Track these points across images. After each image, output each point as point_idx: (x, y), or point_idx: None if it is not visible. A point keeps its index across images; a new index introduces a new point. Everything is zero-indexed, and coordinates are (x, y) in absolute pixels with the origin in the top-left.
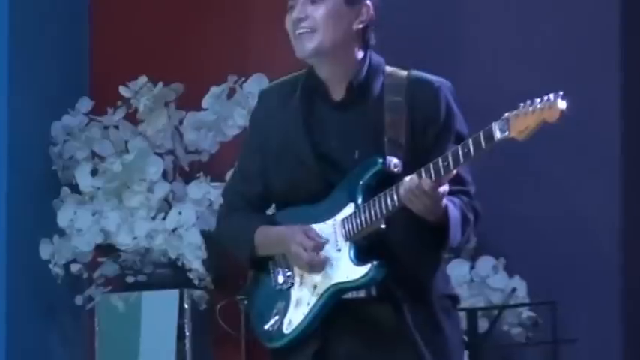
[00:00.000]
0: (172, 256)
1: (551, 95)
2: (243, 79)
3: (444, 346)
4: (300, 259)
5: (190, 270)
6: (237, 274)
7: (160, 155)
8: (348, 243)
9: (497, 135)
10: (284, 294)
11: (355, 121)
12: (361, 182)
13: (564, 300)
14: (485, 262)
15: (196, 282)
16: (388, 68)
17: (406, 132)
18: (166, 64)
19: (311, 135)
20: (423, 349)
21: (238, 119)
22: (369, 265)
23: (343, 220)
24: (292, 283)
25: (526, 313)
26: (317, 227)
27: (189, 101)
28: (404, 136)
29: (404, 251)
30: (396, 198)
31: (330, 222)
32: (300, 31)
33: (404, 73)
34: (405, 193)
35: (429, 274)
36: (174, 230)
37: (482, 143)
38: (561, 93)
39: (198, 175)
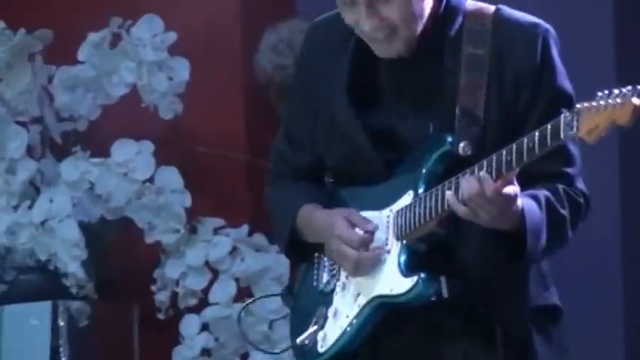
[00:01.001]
0: (42, 258)
1: (626, 89)
2: (130, 22)
3: None
4: (341, 257)
5: (66, 275)
6: (129, 277)
7: (23, 125)
8: (399, 245)
9: (564, 132)
10: (327, 299)
11: (425, 83)
12: (424, 168)
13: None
14: None
15: (74, 290)
16: (470, 5)
17: (486, 99)
18: (29, 5)
19: (360, 103)
20: None
21: (126, 74)
22: (415, 278)
23: (398, 213)
24: (336, 286)
25: None
26: (368, 215)
27: (61, 53)
28: (482, 104)
29: (473, 263)
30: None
31: (385, 212)
32: (380, 37)
33: (490, 11)
34: (459, 202)
35: (513, 283)
36: (43, 223)
37: (548, 139)
38: (639, 87)
39: (74, 149)
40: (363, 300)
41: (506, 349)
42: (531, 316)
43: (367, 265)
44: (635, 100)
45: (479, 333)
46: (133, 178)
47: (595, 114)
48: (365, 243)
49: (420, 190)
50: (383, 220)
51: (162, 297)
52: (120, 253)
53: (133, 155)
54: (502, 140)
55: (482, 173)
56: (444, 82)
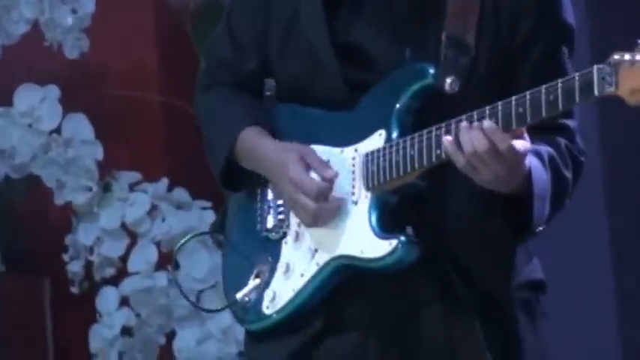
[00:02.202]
0: None
1: None
2: None
3: (511, 357)
4: (295, 205)
5: None
6: (39, 246)
7: None
8: (369, 196)
9: (599, 87)
10: (272, 248)
11: (407, 1)
12: (398, 103)
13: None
14: None
15: None
16: None
17: (478, 25)
18: None
19: (331, 7)
20: None
21: (26, 10)
22: (393, 242)
23: (367, 156)
24: (285, 234)
25: None
26: (326, 152)
27: None
28: (473, 32)
29: (456, 222)
30: (441, 151)
31: (348, 151)
32: None
33: None
34: (461, 155)
35: (499, 260)
36: None
37: (577, 94)
38: None
39: None
40: (323, 257)
41: (486, 328)
42: (517, 291)
43: (327, 217)
44: None
45: (457, 303)
46: (39, 129)
47: None
48: (324, 193)
49: (394, 133)
50: (346, 161)
51: (75, 267)
52: (27, 218)
53: (37, 102)
54: (492, 78)
55: (489, 124)
56: (429, 2)
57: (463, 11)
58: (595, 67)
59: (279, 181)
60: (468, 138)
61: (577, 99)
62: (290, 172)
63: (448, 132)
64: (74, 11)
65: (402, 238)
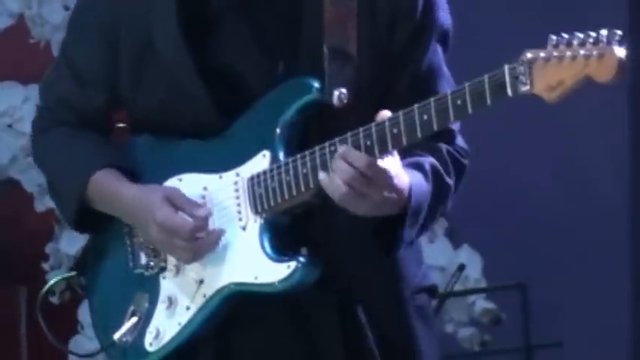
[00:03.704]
0: None
1: (603, 35)
2: None
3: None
4: (170, 249)
5: None
6: (16, 254)
7: None
8: (259, 220)
9: (513, 87)
10: (148, 283)
11: (278, 13)
12: (282, 119)
13: (540, 283)
14: None
15: None
16: None
17: (358, 33)
18: None
19: (190, 35)
20: None
21: (11, 3)
22: (292, 264)
23: (252, 180)
24: (163, 268)
25: (482, 304)
26: (202, 180)
27: None
28: (354, 40)
29: (344, 240)
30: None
31: (228, 175)
32: None
33: None
34: (331, 186)
35: (388, 272)
36: None
37: (488, 97)
38: (619, 33)
39: None
40: (211, 288)
41: (385, 341)
42: (412, 297)
43: (207, 251)
44: (617, 52)
45: (354, 324)
46: (19, 130)
47: (556, 67)
48: (198, 231)
49: (281, 153)
50: (227, 186)
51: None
52: (5, 224)
53: (19, 102)
54: (376, 86)
55: (344, 150)
56: (303, 13)
57: (340, 20)
58: (506, 66)
59: (146, 227)
60: (340, 163)
61: (489, 101)
62: (157, 217)
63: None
64: (66, 8)
65: (301, 259)
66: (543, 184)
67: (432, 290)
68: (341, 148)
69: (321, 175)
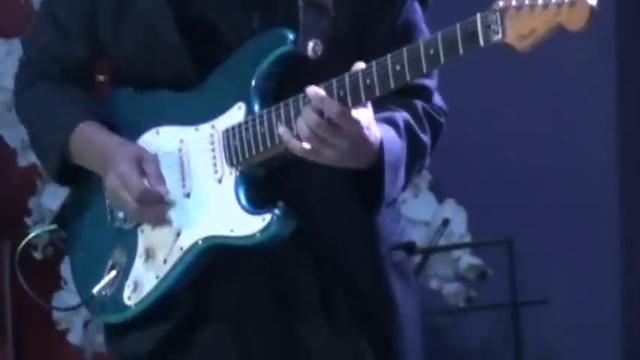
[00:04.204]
0: None
1: None
2: None
3: (391, 326)
4: (117, 200)
5: None
6: (1, 210)
7: None
8: (234, 173)
9: (485, 36)
10: (127, 237)
11: None
12: (257, 71)
13: (526, 238)
14: None
15: None
16: None
17: None
18: None
19: None
20: (357, 337)
21: None
22: (267, 216)
23: (227, 132)
24: (142, 223)
25: (467, 259)
26: (178, 132)
27: None
28: None
29: (321, 194)
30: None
31: (204, 128)
32: None
33: None
34: (296, 139)
35: (365, 227)
36: None
37: (460, 46)
38: None
39: None
40: (187, 240)
41: (363, 297)
42: (389, 253)
43: (147, 221)
44: (589, 0)
45: (331, 277)
46: (2, 85)
47: (528, 15)
48: (147, 199)
49: (256, 105)
50: (203, 139)
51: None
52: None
53: (1, 57)
54: (353, 39)
55: (314, 93)
56: None
57: None
58: (478, 15)
59: (106, 175)
60: (303, 117)
61: (461, 50)
62: (119, 168)
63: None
64: None
65: (277, 211)
66: (531, 139)
67: (409, 247)
68: (313, 95)
69: (281, 130)
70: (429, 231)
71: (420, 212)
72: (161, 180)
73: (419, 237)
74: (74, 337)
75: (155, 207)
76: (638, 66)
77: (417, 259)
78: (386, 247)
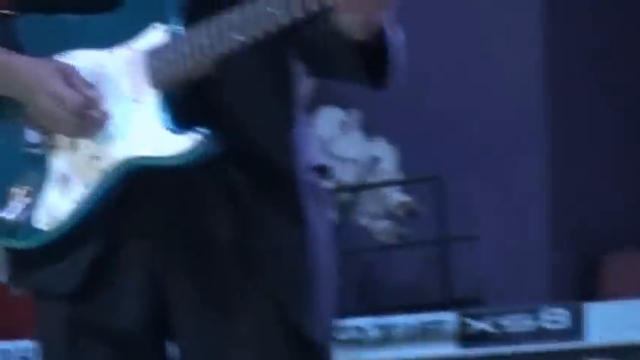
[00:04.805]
0: None
1: None
2: None
3: (304, 249)
4: (56, 121)
5: None
6: None
7: None
8: (156, 94)
9: None
10: (38, 162)
11: None
12: None
13: (456, 176)
14: (329, 117)
15: None
16: None
17: None
18: None
19: None
20: (270, 260)
21: None
22: (194, 135)
23: (148, 53)
24: (55, 145)
25: (397, 197)
26: (93, 56)
27: None
28: None
29: (245, 110)
30: (235, 35)
31: (122, 50)
32: None
33: None
34: None
35: (289, 139)
36: None
37: None
38: None
39: None
40: (107, 163)
41: (276, 214)
42: (305, 175)
43: (95, 129)
44: None
45: (245, 197)
46: None
47: None
48: (86, 108)
49: (177, 24)
50: (121, 61)
51: None
52: None
53: None
54: None
55: None
56: None
57: None
58: None
59: (34, 97)
60: None
61: None
62: (49, 87)
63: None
64: None
65: (202, 130)
66: (461, 78)
67: (322, 169)
68: None
69: None
70: (359, 168)
71: (350, 150)
72: (91, 87)
73: (349, 175)
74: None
75: (95, 118)
76: (565, 7)
77: (347, 196)
78: (300, 166)
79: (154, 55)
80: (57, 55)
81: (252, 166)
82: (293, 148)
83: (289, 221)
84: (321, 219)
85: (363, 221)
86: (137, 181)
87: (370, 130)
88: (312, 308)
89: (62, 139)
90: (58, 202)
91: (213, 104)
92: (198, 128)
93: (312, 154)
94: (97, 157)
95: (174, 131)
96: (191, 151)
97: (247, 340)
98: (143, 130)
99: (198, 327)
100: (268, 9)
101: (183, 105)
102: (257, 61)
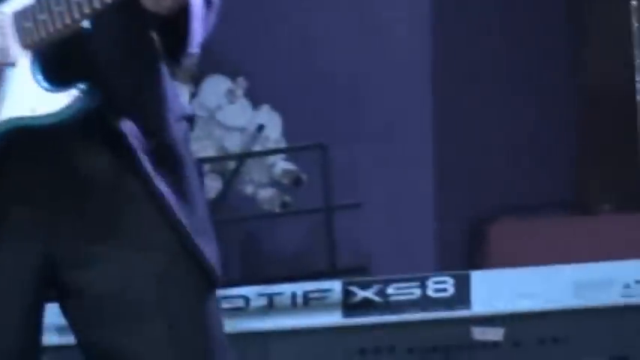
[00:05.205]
0: None
1: None
2: None
3: (181, 184)
4: None
5: None
6: None
7: None
8: (29, 54)
9: None
10: None
11: None
12: None
13: (341, 144)
14: (215, 86)
15: None
16: None
17: None
18: None
19: None
20: (168, 199)
21: None
22: (72, 92)
23: (18, 14)
24: None
25: (282, 165)
26: None
27: None
28: None
29: (116, 63)
30: None
31: None
32: None
33: None
34: None
35: (159, 91)
36: None
37: None
38: None
39: None
40: None
41: (156, 163)
42: (176, 124)
43: None
44: None
45: (124, 150)
46: None
47: None
48: None
49: None
50: None
51: None
52: None
53: None
54: None
55: None
56: None
57: None
58: None
59: None
60: None
61: None
62: None
63: None
64: None
65: (80, 86)
66: (345, 45)
67: (190, 119)
68: None
69: None
70: (245, 137)
71: (235, 119)
72: None
73: (234, 143)
74: None
75: None
76: None
77: (232, 164)
78: (174, 116)
79: (24, 16)
80: None
81: (127, 117)
82: (166, 100)
83: (166, 163)
84: (191, 159)
85: (249, 190)
86: (16, 147)
87: (256, 98)
88: (203, 233)
89: None
90: None
91: (86, 61)
92: (75, 84)
93: (180, 104)
94: None
95: (50, 90)
96: (68, 107)
97: (153, 274)
98: (20, 91)
99: (102, 268)
100: None
101: (57, 63)
102: (125, 16)
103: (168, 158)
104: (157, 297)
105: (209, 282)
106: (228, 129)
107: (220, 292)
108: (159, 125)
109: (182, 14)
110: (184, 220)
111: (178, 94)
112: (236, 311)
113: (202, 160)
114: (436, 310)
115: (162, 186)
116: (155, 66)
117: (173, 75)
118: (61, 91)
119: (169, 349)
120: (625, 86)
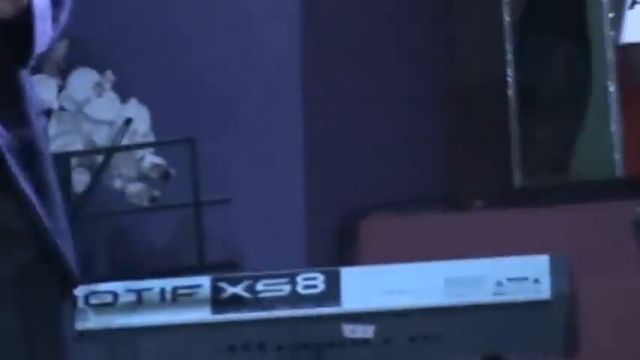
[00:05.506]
0: None
1: None
2: None
3: (45, 191)
4: None
5: None
6: None
7: None
8: None
9: None
10: None
11: None
12: None
13: (210, 139)
14: (83, 79)
15: None
16: None
17: None
18: None
19: None
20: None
21: None
22: None
23: None
24: None
25: (150, 159)
26: None
27: None
28: None
29: None
30: None
31: None
32: None
33: None
34: None
35: (19, 87)
36: None
37: None
38: None
39: None
40: None
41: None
42: (37, 119)
43: None
44: None
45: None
46: None
47: None
48: None
49: None
50: None
51: None
52: None
53: None
54: None
55: None
56: None
57: None
58: None
59: None
60: None
61: None
62: None
63: None
64: None
65: None
66: (212, 37)
67: (48, 112)
68: None
69: None
70: (113, 131)
71: (103, 112)
72: None
73: (102, 137)
74: None
75: None
76: None
77: (99, 158)
78: (34, 112)
79: None
80: None
81: None
82: (26, 94)
83: (29, 161)
84: (49, 155)
85: (117, 184)
86: None
87: (124, 91)
88: (65, 235)
89: None
90: None
91: None
92: None
93: (39, 99)
94: None
95: None
96: None
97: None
98: None
99: None
100: None
101: None
102: None
103: (31, 156)
104: (14, 295)
105: (69, 284)
106: (97, 122)
107: (88, 288)
108: (22, 122)
109: (26, 17)
110: (46, 222)
111: (34, 87)
112: (104, 307)
113: (70, 154)
114: (306, 307)
115: (25, 185)
116: (9, 63)
117: (40, 69)
118: None
119: (24, 347)
120: (496, 82)
